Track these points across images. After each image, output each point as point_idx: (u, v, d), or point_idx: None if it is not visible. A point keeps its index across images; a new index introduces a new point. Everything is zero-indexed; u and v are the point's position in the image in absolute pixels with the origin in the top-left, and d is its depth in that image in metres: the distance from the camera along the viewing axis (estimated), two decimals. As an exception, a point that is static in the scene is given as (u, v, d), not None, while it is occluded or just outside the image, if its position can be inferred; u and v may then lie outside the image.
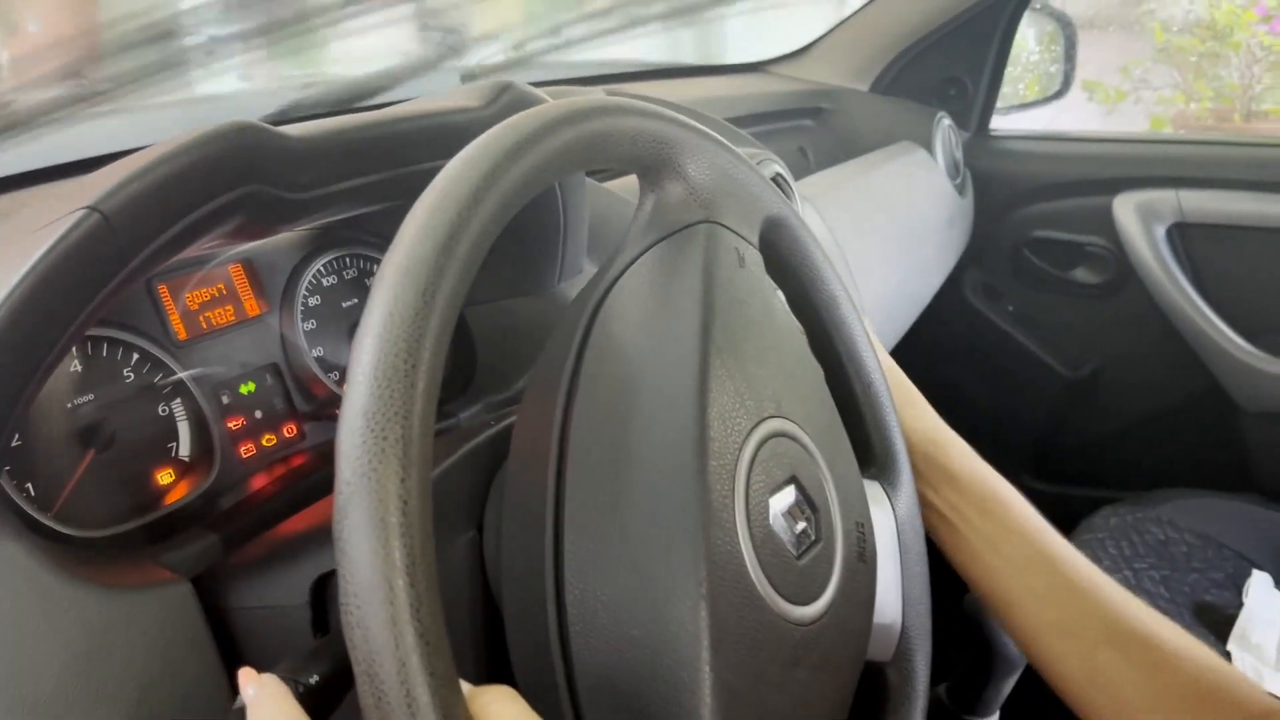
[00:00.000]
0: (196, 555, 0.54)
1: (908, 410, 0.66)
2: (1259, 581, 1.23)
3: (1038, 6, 1.83)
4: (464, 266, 0.37)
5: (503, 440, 0.51)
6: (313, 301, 0.70)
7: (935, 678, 0.65)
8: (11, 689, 0.42)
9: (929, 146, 1.60)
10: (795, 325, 0.56)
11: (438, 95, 0.67)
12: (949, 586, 0.66)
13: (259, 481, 0.64)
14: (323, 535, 0.50)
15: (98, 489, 0.57)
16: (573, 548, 0.42)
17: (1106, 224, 1.65)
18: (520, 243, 0.73)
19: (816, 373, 0.56)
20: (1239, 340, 1.56)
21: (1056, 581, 0.58)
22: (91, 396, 0.58)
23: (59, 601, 0.44)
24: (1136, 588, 1.20)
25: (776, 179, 0.99)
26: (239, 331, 0.66)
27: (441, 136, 0.61)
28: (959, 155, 1.69)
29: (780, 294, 0.59)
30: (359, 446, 0.32)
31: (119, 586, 0.47)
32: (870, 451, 0.61)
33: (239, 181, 0.50)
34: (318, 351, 0.70)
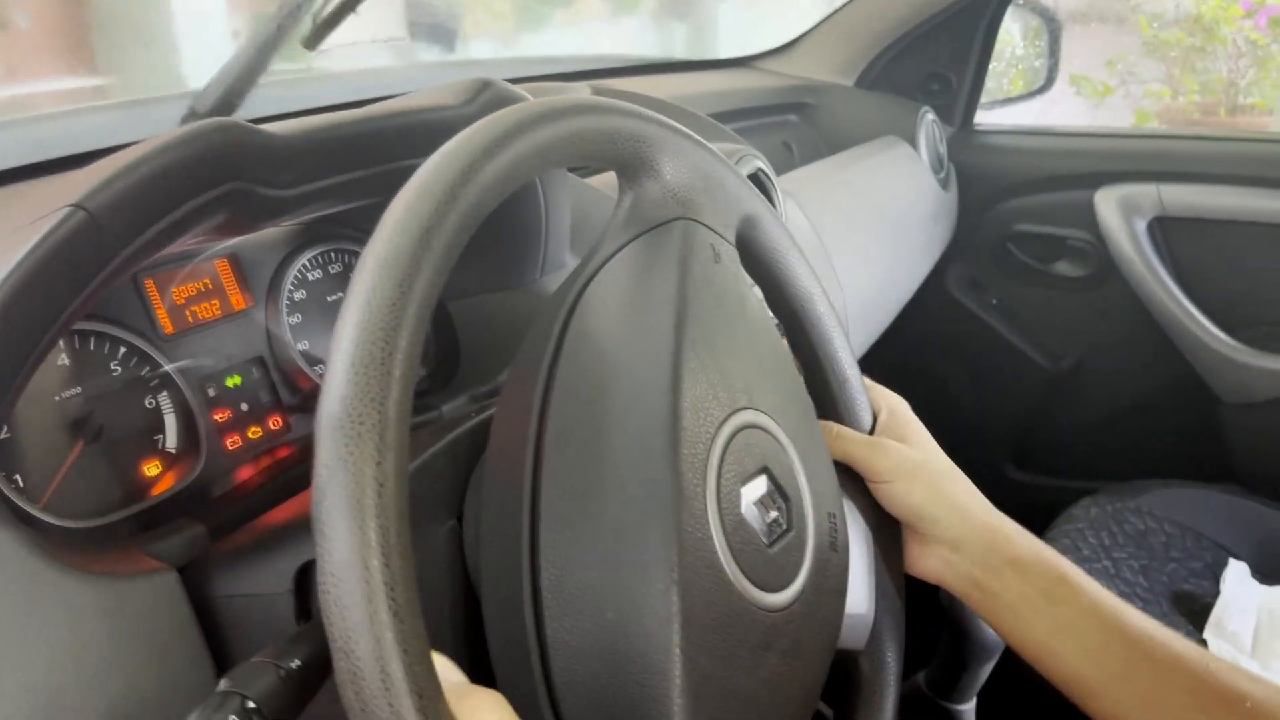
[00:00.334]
0: (183, 545, 0.54)
1: (954, 485, 0.62)
2: (1235, 571, 1.24)
3: (1021, 2, 1.84)
4: (441, 259, 0.38)
5: (483, 431, 0.52)
6: (298, 296, 0.71)
7: (913, 665, 0.66)
8: (1, 675, 0.43)
9: (913, 141, 1.61)
10: (770, 321, 0.57)
11: (418, 93, 0.68)
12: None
13: (245, 473, 0.65)
14: (306, 525, 0.50)
15: (86, 480, 0.58)
16: (549, 534, 0.43)
17: (1088, 218, 1.67)
18: (502, 238, 0.74)
19: (791, 367, 0.57)
20: (1218, 333, 1.57)
21: (1135, 659, 0.55)
22: (79, 389, 0.59)
23: (48, 590, 0.45)
24: (1116, 577, 1.22)
25: (758, 174, 1.00)
26: (225, 325, 0.67)
27: (421, 134, 0.62)
28: (943, 150, 1.70)
29: (756, 290, 0.60)
30: (336, 431, 0.33)
31: (107, 576, 0.48)
32: None
33: (222, 179, 0.51)
34: (303, 345, 0.71)
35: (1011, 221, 1.77)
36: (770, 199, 1.02)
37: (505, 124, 0.42)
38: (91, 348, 0.60)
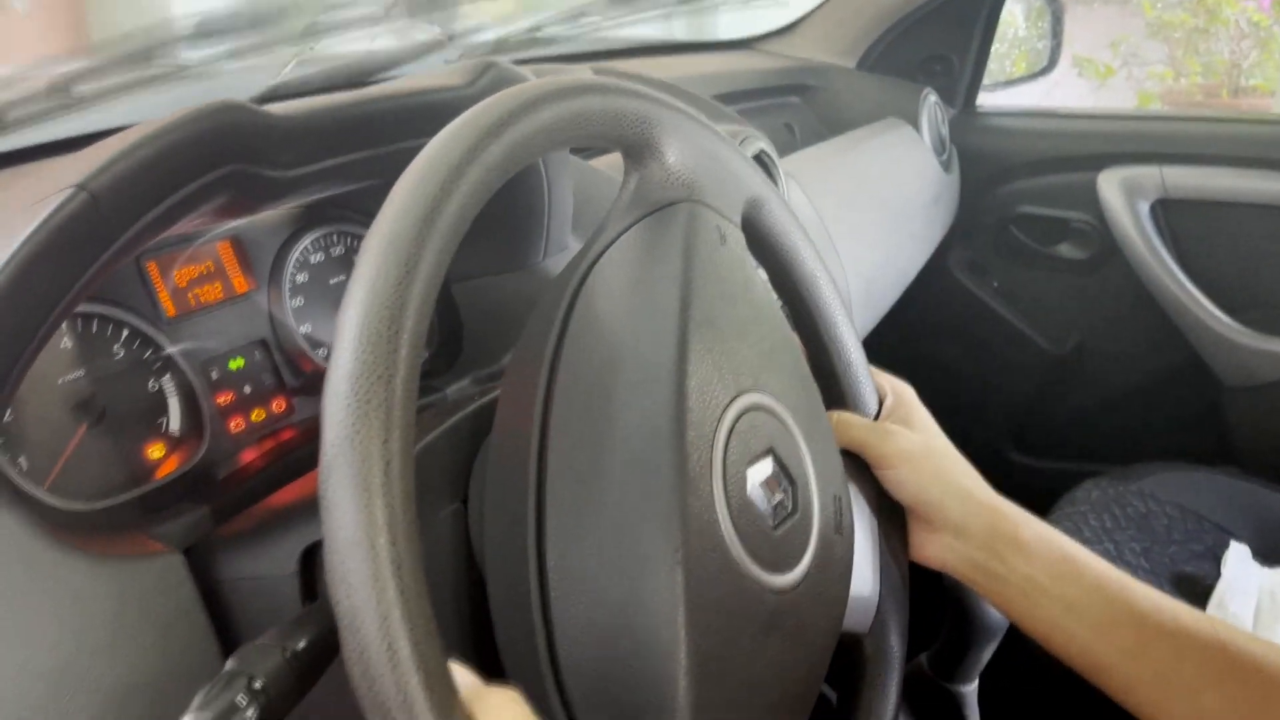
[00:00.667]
0: (188, 527, 0.55)
1: (957, 470, 0.62)
2: (1237, 552, 1.25)
3: (1024, -17, 1.84)
4: (446, 239, 0.38)
5: (488, 413, 0.52)
6: (300, 278, 0.71)
7: (917, 647, 0.66)
8: (7, 657, 0.44)
9: (915, 123, 1.60)
10: (775, 303, 0.57)
11: (422, 74, 0.68)
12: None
13: (249, 455, 0.65)
14: (311, 507, 0.51)
15: (90, 463, 0.58)
16: (554, 517, 0.43)
17: (1091, 200, 1.66)
18: (506, 220, 0.74)
19: (796, 349, 0.57)
20: (1221, 315, 1.57)
21: (1145, 634, 0.55)
22: (82, 372, 0.59)
23: (54, 572, 0.45)
24: (1117, 559, 1.22)
25: (761, 156, 1.00)
26: (227, 308, 0.67)
27: (425, 115, 0.61)
28: (945, 132, 1.69)
29: (762, 272, 0.60)
30: (343, 410, 0.33)
31: (112, 558, 0.48)
32: None
33: (224, 160, 0.51)
34: (306, 327, 0.70)
35: (1014, 204, 1.76)
36: (774, 181, 1.02)
37: (510, 104, 0.42)
38: (94, 331, 0.60)
